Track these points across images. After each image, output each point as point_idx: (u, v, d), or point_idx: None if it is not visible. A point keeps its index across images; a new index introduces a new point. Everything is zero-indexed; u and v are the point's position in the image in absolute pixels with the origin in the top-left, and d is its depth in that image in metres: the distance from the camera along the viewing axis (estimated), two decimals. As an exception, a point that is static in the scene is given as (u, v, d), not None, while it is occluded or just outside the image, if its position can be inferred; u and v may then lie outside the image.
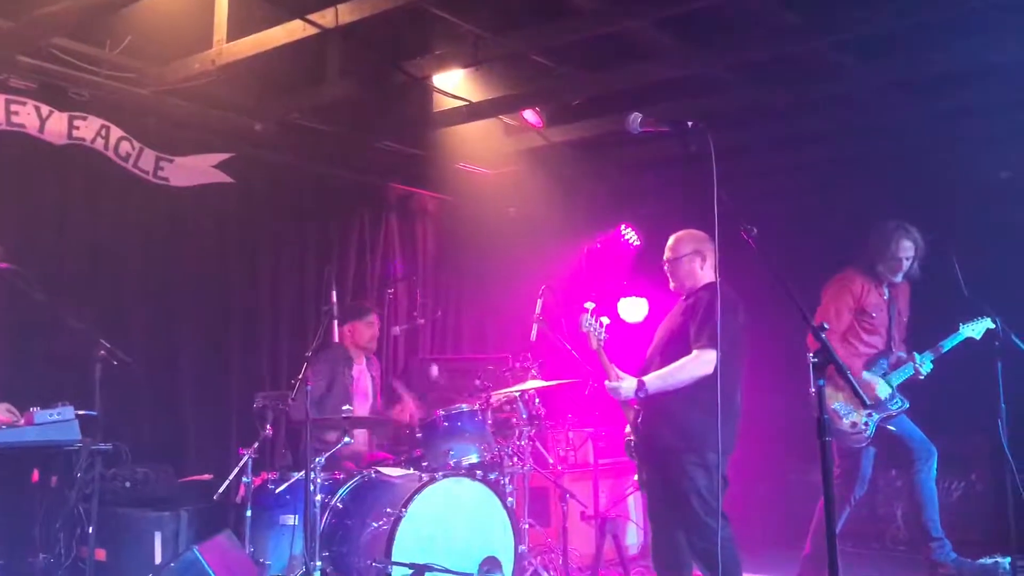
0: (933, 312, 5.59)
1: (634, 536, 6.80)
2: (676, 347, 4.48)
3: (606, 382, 4.48)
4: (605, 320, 4.48)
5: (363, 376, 6.22)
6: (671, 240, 4.77)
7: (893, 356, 5.45)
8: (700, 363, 4.33)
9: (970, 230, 6.09)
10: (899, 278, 5.45)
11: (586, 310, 4.45)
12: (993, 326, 5.31)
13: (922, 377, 5.38)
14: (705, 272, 4.63)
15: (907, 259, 5.39)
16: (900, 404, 5.36)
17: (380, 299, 7.31)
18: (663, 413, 4.45)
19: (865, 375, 5.34)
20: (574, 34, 5.28)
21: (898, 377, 5.38)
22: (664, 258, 4.76)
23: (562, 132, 7.10)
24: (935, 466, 5.38)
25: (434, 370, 7.04)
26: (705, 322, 4.36)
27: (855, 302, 5.42)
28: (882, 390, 5.31)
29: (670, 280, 4.75)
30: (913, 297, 5.65)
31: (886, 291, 5.49)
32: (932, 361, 5.40)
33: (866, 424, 5.26)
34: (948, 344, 5.42)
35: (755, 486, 7.30)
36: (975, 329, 5.39)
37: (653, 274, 4.92)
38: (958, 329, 5.41)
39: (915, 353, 5.41)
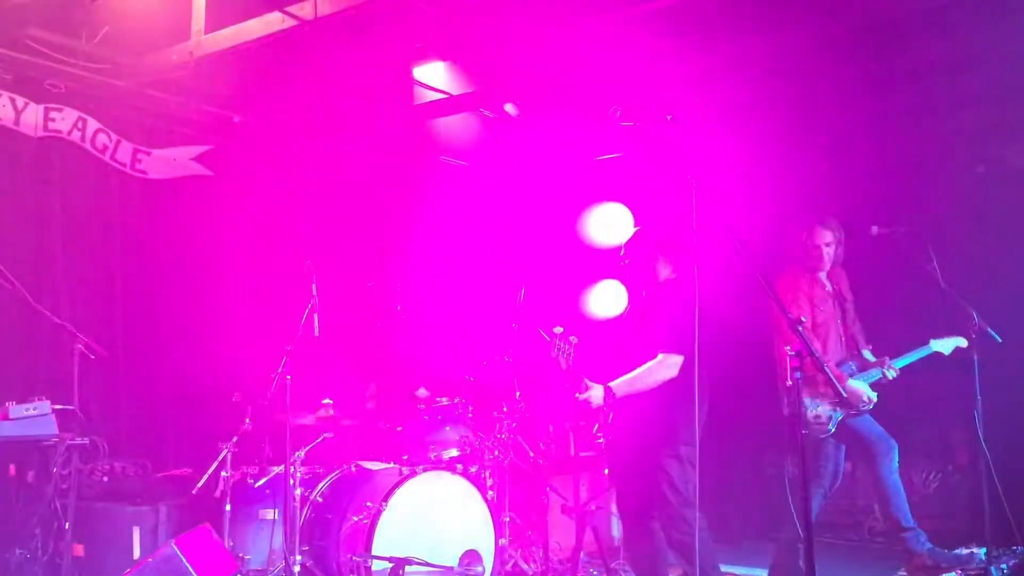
0: (914, 313, 5.59)
1: (615, 529, 6.82)
2: (640, 348, 4.54)
3: (577, 394, 4.56)
4: (573, 339, 4.56)
5: (328, 369, 6.20)
6: (629, 234, 4.84)
7: (860, 359, 5.48)
8: (665, 367, 4.42)
9: (949, 222, 6.13)
10: (826, 266, 5.49)
11: (555, 335, 4.52)
12: (965, 344, 5.34)
13: (888, 380, 5.39)
14: (663, 269, 4.68)
15: (827, 245, 5.43)
16: (867, 406, 5.37)
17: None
18: (634, 410, 4.50)
19: (850, 383, 5.35)
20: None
21: (866, 379, 5.39)
22: (620, 252, 4.83)
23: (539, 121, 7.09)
24: (896, 459, 5.39)
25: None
26: (668, 325, 4.42)
27: (806, 297, 5.45)
28: (866, 392, 5.32)
29: (624, 274, 4.82)
30: (894, 298, 5.66)
31: (827, 283, 5.54)
32: (898, 369, 5.42)
33: (828, 417, 5.28)
34: (913, 357, 5.43)
35: (732, 479, 7.34)
36: (945, 345, 5.41)
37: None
38: (928, 343, 5.44)
39: (886, 358, 5.43)
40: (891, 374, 5.39)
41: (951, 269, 5.29)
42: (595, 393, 4.51)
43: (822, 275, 5.53)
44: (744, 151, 7.45)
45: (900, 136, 6.76)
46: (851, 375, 5.38)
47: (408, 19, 5.51)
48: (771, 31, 5.34)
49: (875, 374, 5.40)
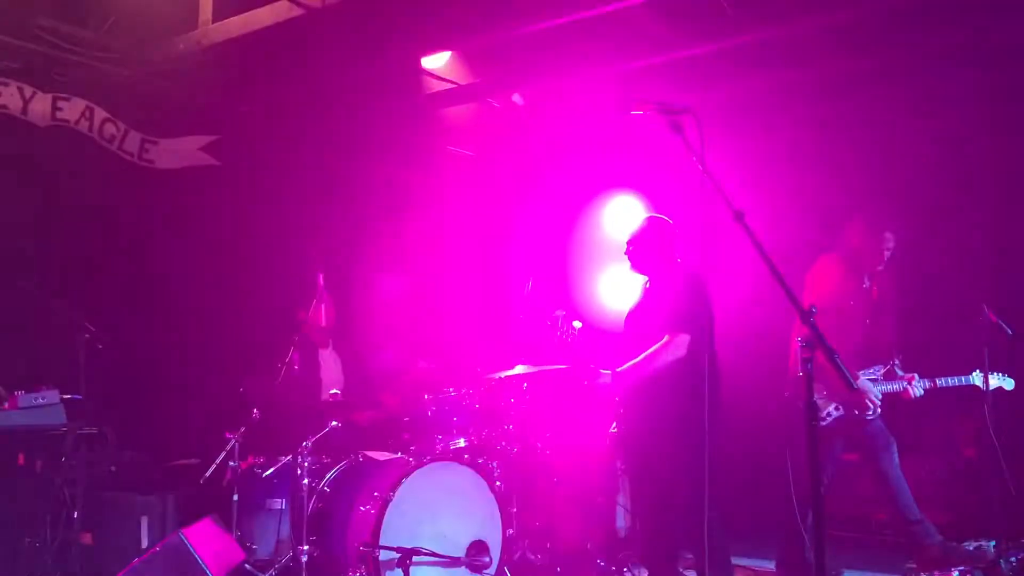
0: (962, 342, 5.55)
1: (622, 520, 6.81)
2: (649, 334, 4.53)
3: (584, 382, 4.57)
4: (577, 324, 4.56)
5: (331, 360, 6.20)
6: (633, 225, 4.83)
7: (890, 366, 5.43)
8: (673, 347, 4.40)
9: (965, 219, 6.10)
10: (876, 267, 5.45)
11: (556, 318, 4.52)
12: (1011, 386, 5.31)
13: (912, 397, 5.32)
14: (667, 255, 4.67)
15: (887, 249, 5.40)
16: (872, 413, 5.32)
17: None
18: (645, 400, 4.49)
19: (861, 381, 5.31)
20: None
21: (885, 387, 5.34)
22: (625, 242, 4.82)
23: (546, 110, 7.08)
24: (896, 453, 5.35)
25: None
26: (675, 306, 4.42)
27: (835, 289, 5.41)
28: (872, 393, 5.27)
29: (630, 263, 4.82)
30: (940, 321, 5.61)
31: (866, 280, 5.48)
32: (925, 389, 5.36)
33: (828, 414, 5.25)
34: (951, 382, 5.34)
35: (742, 471, 7.32)
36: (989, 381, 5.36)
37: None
38: (970, 374, 5.38)
39: (915, 375, 5.36)
40: (915, 392, 5.30)
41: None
42: (602, 380, 4.50)
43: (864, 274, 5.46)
44: (751, 144, 7.44)
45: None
46: (875, 380, 5.32)
47: (416, 8, 5.50)
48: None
49: (896, 386, 5.34)
